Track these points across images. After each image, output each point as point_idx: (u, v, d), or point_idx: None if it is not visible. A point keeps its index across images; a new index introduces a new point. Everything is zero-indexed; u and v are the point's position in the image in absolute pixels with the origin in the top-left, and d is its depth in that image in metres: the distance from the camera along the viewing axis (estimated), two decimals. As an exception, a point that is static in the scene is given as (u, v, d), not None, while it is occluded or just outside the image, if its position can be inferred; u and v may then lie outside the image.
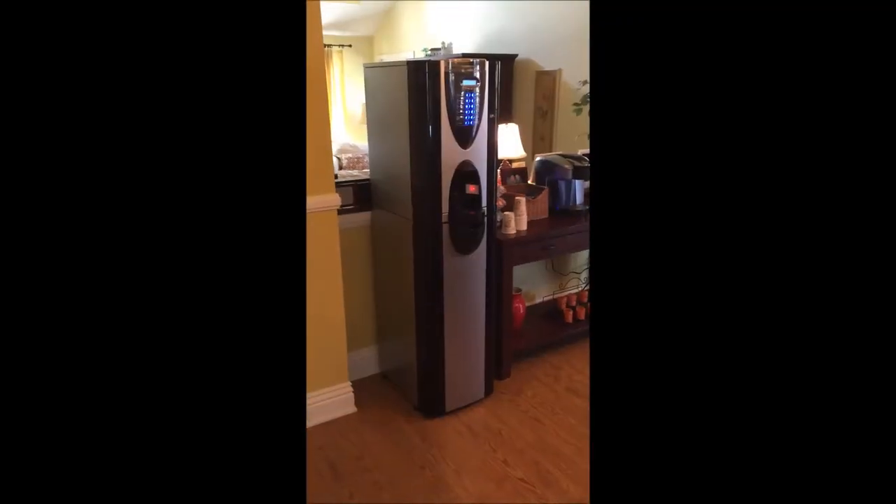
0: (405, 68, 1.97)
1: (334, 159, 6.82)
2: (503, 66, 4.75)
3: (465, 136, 2.06)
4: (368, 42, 7.37)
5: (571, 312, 2.97)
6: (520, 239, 2.51)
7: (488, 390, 2.49)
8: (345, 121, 7.41)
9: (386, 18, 6.89)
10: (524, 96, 4.87)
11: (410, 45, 6.25)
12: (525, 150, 3.44)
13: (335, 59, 7.16)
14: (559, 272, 3.28)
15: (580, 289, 3.33)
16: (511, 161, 3.08)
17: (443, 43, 5.51)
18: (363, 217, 2.48)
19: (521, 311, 2.86)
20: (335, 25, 6.78)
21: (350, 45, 7.26)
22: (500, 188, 2.66)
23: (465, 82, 2.00)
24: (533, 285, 3.22)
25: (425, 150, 2.02)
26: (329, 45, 7.14)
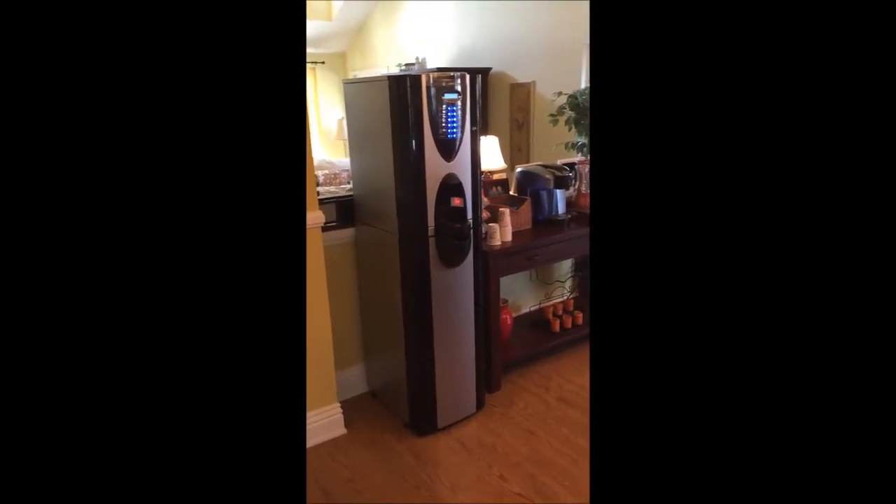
0: (386, 83, 1.95)
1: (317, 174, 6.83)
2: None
3: (448, 149, 2.06)
4: (341, 58, 7.37)
5: (559, 321, 2.97)
6: (505, 250, 2.51)
7: (480, 404, 2.46)
8: (320, 137, 7.37)
9: (358, 35, 6.91)
10: (499, 108, 4.91)
11: (383, 61, 6.26)
12: (504, 162, 3.46)
13: (308, 76, 7.13)
14: (544, 282, 3.28)
15: (566, 297, 3.34)
16: (492, 173, 3.08)
17: (417, 58, 5.49)
18: (346, 234, 2.45)
19: (509, 323, 2.85)
20: (309, 42, 6.76)
21: (323, 62, 7.25)
22: (484, 200, 2.66)
23: (447, 95, 1.99)
24: (518, 296, 3.21)
25: (409, 164, 2.01)
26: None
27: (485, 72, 4.86)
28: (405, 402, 2.33)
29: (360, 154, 2.29)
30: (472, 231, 2.20)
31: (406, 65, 5.69)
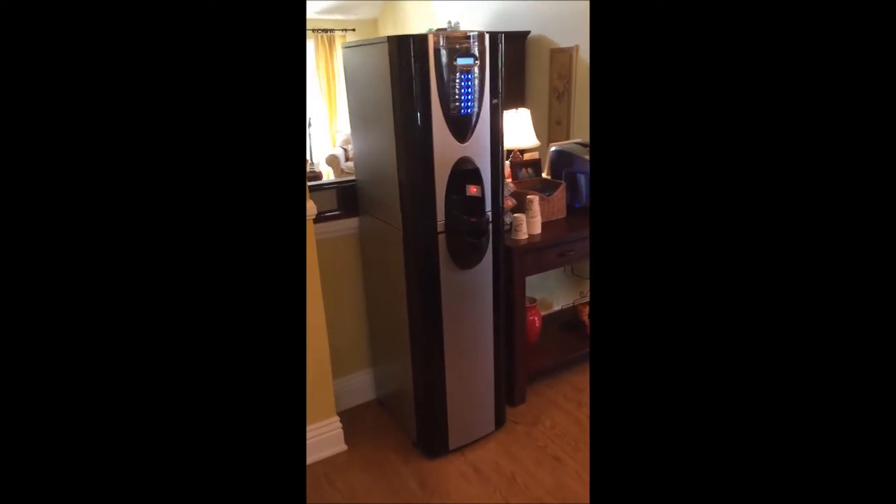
0: (386, 46, 1.60)
1: (339, 150, 6.57)
2: (514, 45, 4.37)
3: (462, 128, 1.70)
4: (373, 25, 6.99)
5: (595, 324, 2.60)
6: (533, 245, 2.14)
7: (499, 421, 2.14)
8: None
9: (390, 0, 6.52)
10: (538, 77, 4.46)
11: (416, 27, 5.86)
12: (539, 137, 3.06)
13: (338, 44, 6.79)
14: (580, 276, 2.90)
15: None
16: (522, 152, 2.70)
17: (449, 22, 5.10)
18: (350, 224, 2.14)
19: (537, 325, 2.50)
20: (337, 9, 6.44)
21: (353, 30, 6.89)
22: (510, 185, 2.29)
23: (461, 61, 1.63)
24: (550, 292, 2.85)
25: (414, 146, 1.67)
26: (331, 31, 6.80)
27: (522, 36, 4.40)
28: (413, 416, 2.04)
29: (361, 133, 1.96)
30: (490, 225, 1.85)
31: (437, 30, 5.30)
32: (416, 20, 6.01)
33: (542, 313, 2.73)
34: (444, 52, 1.60)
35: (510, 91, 4.45)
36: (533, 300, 2.51)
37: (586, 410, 2.26)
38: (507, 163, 2.61)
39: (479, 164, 1.76)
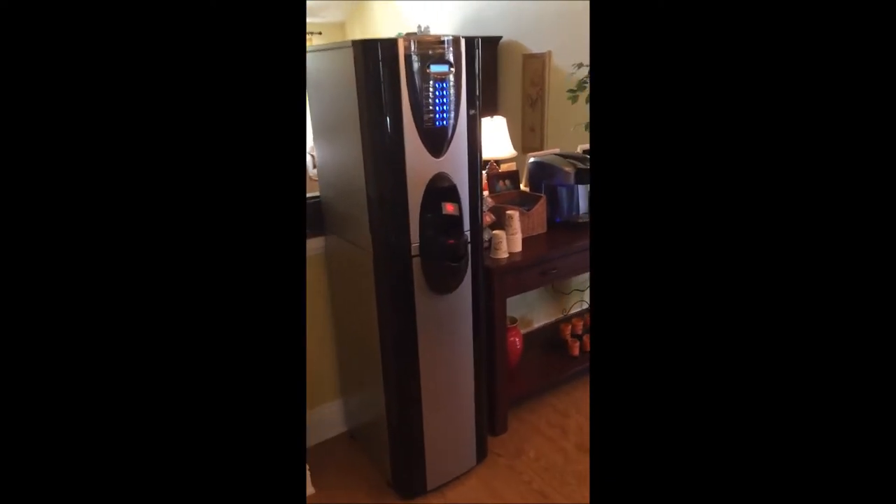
0: (350, 51, 1.44)
1: (308, 157, 6.35)
2: (486, 51, 4.25)
3: (437, 141, 1.55)
4: (340, 28, 6.80)
5: (578, 343, 2.47)
6: (514, 264, 2.00)
7: (481, 453, 1.99)
8: (317, 116, 6.85)
9: (358, 3, 6.34)
10: (511, 84, 4.35)
11: (385, 31, 5.70)
12: (514, 146, 2.93)
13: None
14: (560, 291, 2.78)
15: (585, 310, 2.84)
16: (499, 163, 2.56)
17: (419, 26, 4.97)
18: (315, 244, 1.96)
19: (518, 346, 2.36)
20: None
21: (320, 33, 6.68)
22: (487, 199, 2.15)
23: (434, 68, 1.47)
24: (529, 309, 2.72)
25: (385, 162, 1.51)
26: (296, 34, 6.58)
27: (494, 41, 4.29)
28: (387, 453, 1.86)
29: (325, 145, 1.79)
30: (469, 246, 1.70)
31: (407, 34, 5.16)
32: (384, 24, 5.85)
33: (523, 332, 2.60)
34: (415, 59, 1.45)
35: (483, 98, 4.35)
36: (514, 320, 2.37)
37: (571, 438, 2.13)
38: (484, 174, 2.47)
39: (455, 181, 1.61)
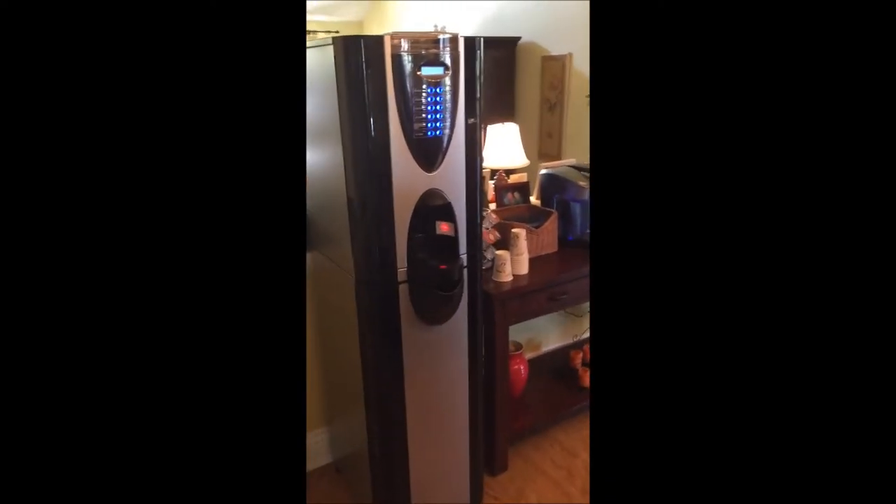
0: (331, 49, 1.26)
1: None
2: (503, 52, 4.05)
3: (429, 153, 1.36)
4: (358, 27, 6.68)
5: (588, 373, 2.26)
6: (518, 289, 1.81)
7: (475, 497, 1.80)
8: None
9: (376, 2, 6.21)
10: (529, 87, 4.15)
11: (404, 30, 5.55)
12: (529, 151, 2.74)
13: (320, 47, 6.47)
14: (572, 314, 2.57)
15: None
16: (508, 173, 2.37)
17: (435, 25, 4.79)
18: (300, 260, 1.79)
19: (523, 375, 2.16)
20: (321, 10, 6.12)
21: (337, 32, 6.57)
22: (491, 215, 1.96)
23: (428, 70, 1.29)
24: (537, 331, 2.52)
25: (368, 175, 1.33)
26: (314, 32, 6.47)
27: (512, 42, 4.09)
28: (370, 496, 1.68)
29: (308, 151, 1.61)
30: (465, 271, 1.51)
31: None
32: (404, 23, 5.71)
33: (529, 357, 2.40)
34: (406, 59, 1.27)
35: (498, 102, 4.14)
36: (519, 346, 2.17)
37: (578, 483, 1.92)
38: (491, 184, 2.28)
39: (451, 199, 1.42)
